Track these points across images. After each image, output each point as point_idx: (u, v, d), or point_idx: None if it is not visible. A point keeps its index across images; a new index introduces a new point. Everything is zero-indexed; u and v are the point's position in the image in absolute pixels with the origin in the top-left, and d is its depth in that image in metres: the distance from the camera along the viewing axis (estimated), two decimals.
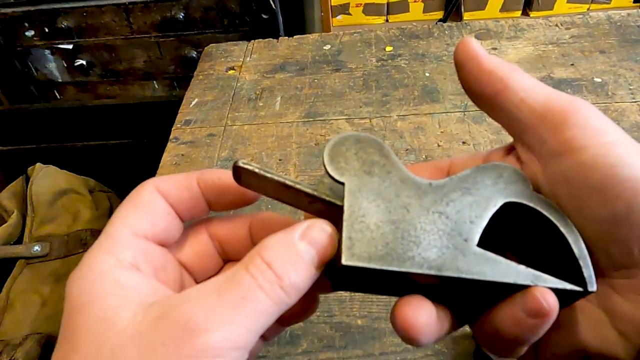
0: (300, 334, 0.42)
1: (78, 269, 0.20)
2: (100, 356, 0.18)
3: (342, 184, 0.21)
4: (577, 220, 0.20)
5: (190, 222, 0.25)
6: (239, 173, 0.22)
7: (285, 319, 0.24)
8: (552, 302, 0.19)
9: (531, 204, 0.21)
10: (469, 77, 0.23)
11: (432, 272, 0.19)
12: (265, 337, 0.25)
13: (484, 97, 0.23)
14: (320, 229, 0.20)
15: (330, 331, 0.42)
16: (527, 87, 0.22)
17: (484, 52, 0.23)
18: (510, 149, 0.23)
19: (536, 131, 0.21)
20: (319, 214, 0.22)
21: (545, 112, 0.21)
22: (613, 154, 0.19)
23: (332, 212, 0.21)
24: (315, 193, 0.21)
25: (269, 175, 0.21)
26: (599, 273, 0.20)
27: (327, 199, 0.21)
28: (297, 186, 0.21)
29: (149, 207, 0.22)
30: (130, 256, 0.21)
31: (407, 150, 0.57)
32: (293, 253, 0.19)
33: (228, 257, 0.26)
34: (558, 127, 0.20)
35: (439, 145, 0.57)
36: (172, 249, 0.24)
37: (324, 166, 0.21)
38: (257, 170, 0.21)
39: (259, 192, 0.23)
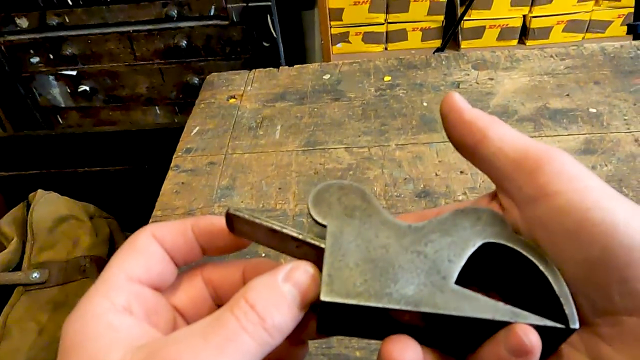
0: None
1: (74, 311, 0.21)
2: None
3: (325, 226, 0.22)
4: (556, 264, 0.21)
5: (186, 268, 0.26)
6: (231, 220, 0.23)
7: None
8: (534, 339, 0.19)
9: (510, 244, 0.21)
10: (452, 127, 0.24)
11: (409, 308, 0.20)
12: None
13: (466, 146, 0.24)
14: (303, 271, 0.21)
15: None
16: (504, 136, 0.23)
17: (466, 105, 0.24)
18: (494, 196, 0.24)
19: (513, 178, 0.22)
20: (305, 258, 0.23)
21: (522, 160, 0.22)
22: (587, 198, 0.20)
23: (317, 255, 0.22)
24: (300, 236, 0.22)
25: (257, 221, 0.22)
26: (583, 320, 0.20)
27: (312, 241, 0.22)
28: (284, 230, 0.22)
29: (145, 252, 0.23)
30: (124, 300, 0.21)
31: (405, 179, 0.58)
32: (276, 294, 0.20)
33: (221, 302, 0.26)
34: (533, 173, 0.21)
35: (437, 175, 0.58)
36: (167, 294, 0.25)
37: (308, 211, 0.23)
38: (247, 216, 0.22)
39: (250, 239, 0.24)
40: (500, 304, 0.20)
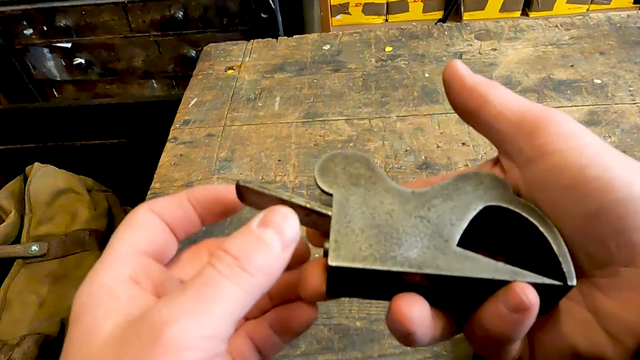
0: (299, 336, 0.42)
1: (82, 283, 0.21)
2: None
3: (331, 195, 0.22)
4: (554, 221, 0.21)
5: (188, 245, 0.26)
6: (240, 191, 0.23)
7: (283, 331, 0.25)
8: (532, 297, 0.19)
9: (511, 207, 0.22)
10: (454, 93, 0.25)
11: (413, 270, 0.20)
12: (264, 354, 0.25)
13: (467, 111, 0.24)
14: (277, 212, 0.21)
15: (329, 333, 0.42)
16: (504, 100, 0.23)
17: (467, 71, 0.24)
18: (496, 161, 0.25)
19: (513, 140, 0.22)
20: (314, 227, 0.23)
21: (521, 122, 0.22)
22: (583, 155, 0.20)
23: (325, 223, 0.22)
24: (308, 205, 0.22)
25: (266, 191, 0.22)
26: (581, 274, 0.21)
27: (319, 209, 0.22)
28: (293, 200, 0.22)
29: (145, 226, 0.23)
30: (130, 270, 0.21)
31: (406, 151, 0.57)
32: (251, 237, 0.20)
33: None
34: (532, 134, 0.21)
35: (438, 146, 0.57)
36: (174, 269, 0.25)
37: (315, 181, 0.23)
38: (256, 187, 0.23)
39: (260, 208, 0.23)
40: (500, 264, 0.20)
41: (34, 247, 0.71)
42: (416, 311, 0.20)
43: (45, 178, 0.78)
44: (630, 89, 0.61)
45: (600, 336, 0.20)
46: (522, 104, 0.23)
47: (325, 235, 0.22)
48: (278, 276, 0.20)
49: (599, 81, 0.62)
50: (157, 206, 0.24)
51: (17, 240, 0.74)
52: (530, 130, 0.21)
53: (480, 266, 0.20)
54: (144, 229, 0.23)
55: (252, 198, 0.23)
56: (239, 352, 0.24)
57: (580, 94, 0.61)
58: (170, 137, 0.63)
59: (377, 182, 0.23)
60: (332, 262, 0.20)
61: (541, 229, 0.21)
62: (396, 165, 0.55)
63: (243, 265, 0.19)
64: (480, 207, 0.22)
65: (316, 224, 0.23)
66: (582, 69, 0.64)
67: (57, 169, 0.82)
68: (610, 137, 0.55)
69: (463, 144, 0.57)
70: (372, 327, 0.42)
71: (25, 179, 0.79)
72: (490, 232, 0.23)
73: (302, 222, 0.23)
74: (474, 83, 0.24)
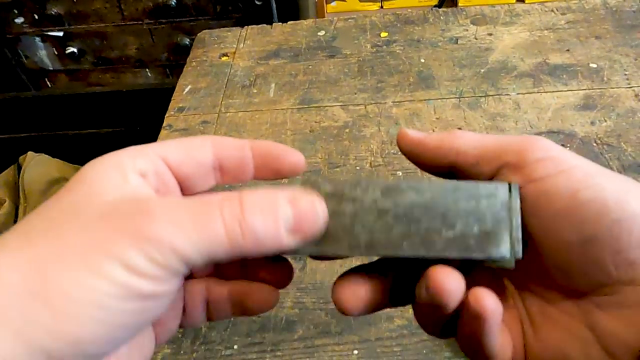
0: (296, 321, 0.42)
1: (99, 157, 0.21)
2: (59, 216, 0.19)
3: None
4: (551, 246, 0.21)
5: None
6: None
7: (237, 304, 0.24)
8: (487, 304, 0.20)
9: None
10: (422, 159, 0.24)
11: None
12: (209, 314, 0.25)
13: (444, 169, 0.24)
14: (309, 201, 0.20)
15: (326, 317, 0.42)
16: (477, 143, 0.23)
17: (420, 134, 0.24)
18: None
19: (499, 175, 0.22)
20: None
21: (502, 156, 0.22)
22: (573, 178, 0.20)
23: None
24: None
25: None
26: (580, 292, 0.20)
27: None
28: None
29: (194, 150, 0.23)
30: (144, 166, 0.21)
31: None
32: (270, 204, 0.19)
33: None
34: (517, 164, 0.21)
35: (434, 131, 0.57)
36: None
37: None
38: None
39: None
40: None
41: None
42: (452, 282, 0.20)
43: (39, 167, 0.77)
44: (626, 72, 0.61)
45: (598, 354, 0.20)
46: (497, 140, 0.22)
47: None
48: (267, 253, 0.19)
49: (594, 65, 0.62)
50: (220, 143, 0.23)
51: None
52: (515, 161, 0.21)
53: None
54: (190, 152, 0.22)
55: None
56: (191, 299, 0.24)
57: (575, 78, 0.61)
58: (164, 124, 0.62)
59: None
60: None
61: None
62: (392, 151, 0.55)
63: (244, 224, 0.18)
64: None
65: None
66: (578, 53, 0.64)
67: (51, 157, 0.81)
68: (605, 120, 0.55)
69: (459, 129, 0.57)
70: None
71: (19, 169, 0.78)
72: None
73: None
74: (437, 140, 0.23)
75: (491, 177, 0.22)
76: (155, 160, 0.22)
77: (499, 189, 0.21)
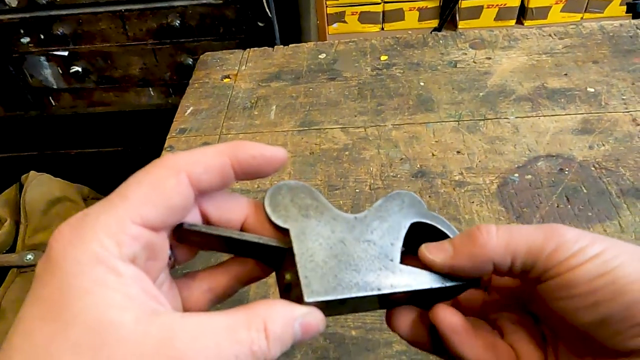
0: (294, 345, 0.42)
1: (72, 227, 0.19)
2: (96, 357, 0.17)
3: (287, 230, 0.24)
4: (569, 326, 0.23)
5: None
6: (183, 235, 0.23)
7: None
8: (444, 319, 0.25)
9: (427, 221, 0.27)
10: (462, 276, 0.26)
11: (375, 293, 0.24)
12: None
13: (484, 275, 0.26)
14: (314, 317, 0.22)
15: (324, 342, 0.42)
16: (504, 248, 0.24)
17: (447, 261, 0.25)
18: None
19: (525, 265, 0.24)
20: (260, 259, 0.25)
21: (530, 258, 0.23)
22: (592, 270, 0.22)
23: (277, 255, 0.24)
24: (261, 241, 0.24)
25: (214, 232, 0.23)
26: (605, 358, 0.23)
27: (276, 244, 0.24)
28: (244, 238, 0.24)
29: (173, 202, 0.21)
30: (131, 250, 0.20)
31: (401, 159, 0.57)
32: (288, 333, 0.22)
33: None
34: (541, 255, 0.23)
35: (433, 155, 0.57)
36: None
37: (267, 216, 0.24)
38: (203, 230, 0.23)
39: (202, 248, 0.24)
40: (434, 275, 0.25)
41: (29, 256, 0.71)
42: (454, 319, 0.25)
43: (40, 186, 0.77)
44: (623, 97, 0.61)
45: None
46: (524, 233, 0.24)
47: (275, 267, 0.25)
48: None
49: (592, 90, 0.63)
50: (197, 173, 0.21)
51: (12, 249, 0.74)
52: (540, 253, 0.23)
53: (421, 279, 0.25)
54: (170, 204, 0.21)
55: (197, 239, 0.23)
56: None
57: (573, 103, 0.61)
58: (166, 145, 0.63)
59: (324, 212, 0.25)
60: (308, 299, 0.22)
61: (447, 233, 0.26)
62: (391, 174, 0.55)
63: (268, 355, 0.20)
64: (408, 224, 0.26)
65: (265, 257, 0.25)
66: (576, 77, 0.65)
67: (52, 177, 0.82)
68: (603, 144, 0.56)
69: (458, 152, 0.57)
70: (368, 336, 0.42)
71: (21, 188, 0.78)
72: (417, 240, 0.27)
73: (251, 256, 0.25)
74: (468, 257, 0.25)
75: (520, 273, 0.24)
76: (142, 235, 0.20)
77: None
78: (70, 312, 0.17)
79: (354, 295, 0.23)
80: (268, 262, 0.26)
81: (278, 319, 0.21)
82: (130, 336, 0.17)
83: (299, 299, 0.23)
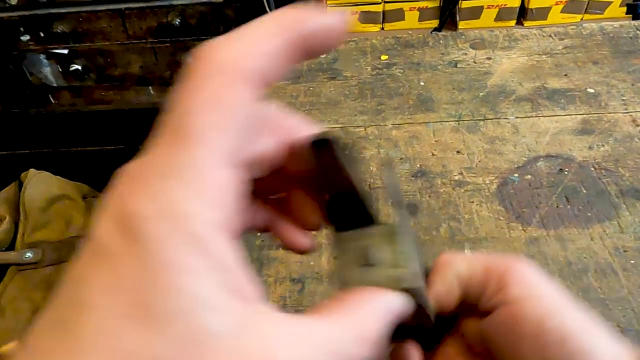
0: None
1: (157, 196, 0.14)
2: None
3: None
4: None
5: None
6: (324, 149, 0.19)
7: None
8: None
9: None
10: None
11: None
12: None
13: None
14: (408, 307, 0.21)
15: None
16: (467, 265, 0.24)
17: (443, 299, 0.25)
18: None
19: (484, 296, 0.24)
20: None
21: (487, 281, 0.24)
22: (543, 306, 0.22)
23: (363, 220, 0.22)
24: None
25: (353, 174, 0.20)
26: None
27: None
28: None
29: (248, 123, 0.16)
30: (226, 213, 0.15)
31: (401, 159, 0.57)
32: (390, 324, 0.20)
33: None
34: (497, 287, 0.23)
35: (433, 154, 0.57)
36: None
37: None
38: (344, 163, 0.20)
39: (329, 173, 0.20)
40: None
41: (28, 254, 0.71)
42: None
43: (40, 184, 0.77)
44: (623, 98, 0.61)
45: None
46: (487, 259, 0.24)
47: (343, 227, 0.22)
48: None
49: (592, 90, 0.63)
50: (249, 62, 0.16)
51: (11, 246, 0.73)
52: (496, 283, 0.23)
53: None
54: (241, 122, 0.15)
55: (331, 161, 0.19)
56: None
57: (573, 103, 0.62)
58: None
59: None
60: (413, 284, 0.21)
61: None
62: None
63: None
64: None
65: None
66: (576, 78, 0.65)
67: (52, 175, 0.81)
68: (603, 145, 0.56)
69: (458, 152, 0.57)
70: None
71: (21, 185, 0.78)
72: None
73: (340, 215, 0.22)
74: (448, 288, 0.24)
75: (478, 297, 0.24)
76: (226, 182, 0.15)
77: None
78: (163, 315, 0.14)
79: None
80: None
81: (385, 320, 0.19)
82: (229, 352, 0.14)
83: (387, 280, 0.20)
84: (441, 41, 0.74)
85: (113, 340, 0.13)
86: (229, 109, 0.15)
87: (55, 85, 1.51)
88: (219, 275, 0.14)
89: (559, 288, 0.23)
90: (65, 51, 1.42)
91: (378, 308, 0.19)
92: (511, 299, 0.22)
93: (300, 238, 0.23)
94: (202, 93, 0.15)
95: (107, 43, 1.40)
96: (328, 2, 1.65)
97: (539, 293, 0.23)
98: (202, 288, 0.14)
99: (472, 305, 0.25)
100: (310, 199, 0.23)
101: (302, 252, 0.23)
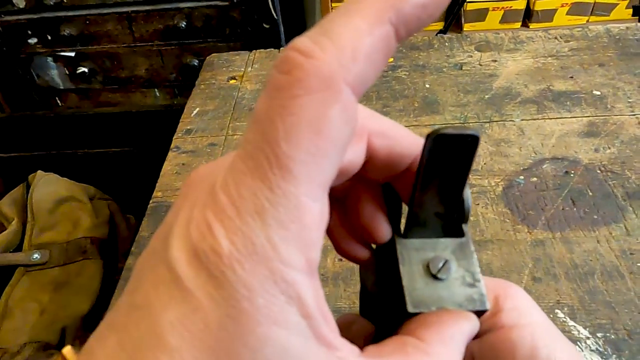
0: None
1: (252, 253, 0.13)
2: None
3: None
4: None
5: None
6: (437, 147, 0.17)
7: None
8: None
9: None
10: None
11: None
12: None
13: None
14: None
15: None
16: None
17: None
18: None
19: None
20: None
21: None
22: (535, 334, 0.22)
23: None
24: None
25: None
26: None
27: None
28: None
29: (344, 142, 0.14)
30: (318, 254, 0.14)
31: None
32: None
33: None
34: (491, 310, 0.23)
35: None
36: None
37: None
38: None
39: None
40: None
41: (36, 255, 0.71)
42: None
43: (47, 186, 0.78)
44: (629, 100, 0.61)
45: None
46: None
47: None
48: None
49: (598, 92, 0.63)
50: (351, 65, 0.13)
51: (19, 248, 0.74)
52: (491, 304, 0.23)
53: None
54: (333, 140, 0.13)
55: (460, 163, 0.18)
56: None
57: (579, 105, 0.61)
58: (172, 146, 0.63)
59: None
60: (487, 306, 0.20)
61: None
62: None
63: None
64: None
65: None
66: (582, 80, 0.65)
67: (59, 177, 0.82)
68: (609, 147, 0.56)
69: None
70: None
71: (28, 187, 0.79)
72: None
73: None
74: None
75: None
76: (317, 219, 0.14)
77: None
78: None
79: None
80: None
81: (461, 355, 0.19)
82: None
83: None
84: (446, 43, 0.74)
85: None
86: (328, 131, 0.13)
87: (62, 87, 1.52)
88: (309, 324, 0.13)
89: (545, 316, 0.23)
90: (72, 54, 1.43)
91: (463, 339, 0.18)
92: (505, 324, 0.23)
93: (359, 249, 0.21)
94: (299, 111, 0.13)
95: (113, 46, 1.41)
96: (333, 4, 1.66)
97: (531, 321, 0.23)
98: (292, 339, 0.13)
99: None
100: (380, 207, 0.21)
101: (360, 261, 0.22)
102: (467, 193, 0.20)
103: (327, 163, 0.13)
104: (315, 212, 0.13)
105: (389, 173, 0.19)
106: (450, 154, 0.18)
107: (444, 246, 0.20)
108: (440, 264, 0.20)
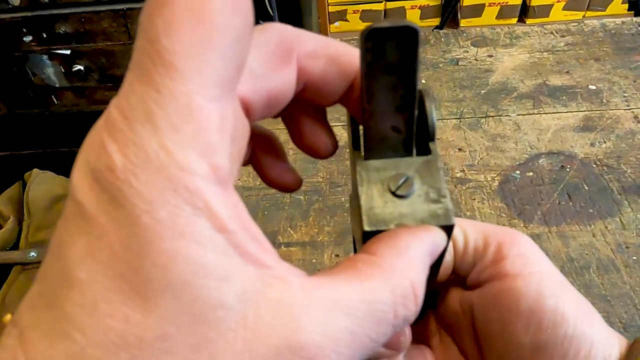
0: None
1: (132, 145, 0.12)
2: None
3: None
4: (501, 342, 0.21)
5: None
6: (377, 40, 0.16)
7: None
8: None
9: None
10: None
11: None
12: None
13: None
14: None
15: None
16: (467, 229, 0.23)
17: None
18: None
19: (481, 266, 0.22)
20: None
21: (485, 244, 0.22)
22: (541, 283, 0.20)
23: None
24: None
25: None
26: None
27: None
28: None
29: (239, 38, 0.13)
30: (225, 161, 0.12)
31: None
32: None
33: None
34: (495, 257, 0.22)
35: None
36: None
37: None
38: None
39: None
40: None
41: (33, 253, 0.71)
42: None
43: (44, 184, 0.78)
44: (625, 94, 0.61)
45: None
46: (485, 227, 0.23)
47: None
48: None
49: (594, 87, 0.63)
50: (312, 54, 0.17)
51: (15, 246, 0.74)
52: (495, 252, 0.22)
53: None
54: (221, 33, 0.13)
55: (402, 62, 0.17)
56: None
57: (575, 100, 0.62)
58: None
59: None
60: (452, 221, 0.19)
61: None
62: None
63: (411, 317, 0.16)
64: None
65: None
66: (577, 75, 0.65)
67: (55, 175, 0.82)
68: (605, 142, 0.56)
69: (459, 149, 0.57)
70: None
71: (24, 185, 0.79)
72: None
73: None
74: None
75: (473, 259, 0.22)
76: (220, 116, 0.12)
77: None
78: (161, 289, 0.11)
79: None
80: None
81: (424, 269, 0.16)
82: (240, 325, 0.12)
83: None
84: (443, 39, 0.74)
85: (100, 319, 0.11)
86: (212, 18, 0.12)
87: (57, 85, 1.52)
88: (228, 239, 0.12)
89: (555, 268, 0.22)
90: (68, 52, 1.43)
91: (422, 251, 0.17)
92: (510, 272, 0.21)
93: (288, 174, 0.22)
94: (178, 1, 0.12)
95: (109, 43, 1.41)
96: (329, 1, 1.65)
97: (538, 270, 0.21)
98: (208, 254, 0.12)
99: (457, 278, 0.23)
100: (322, 124, 0.21)
101: (286, 189, 0.22)
102: (431, 108, 0.19)
103: (217, 56, 0.12)
104: (212, 112, 0.12)
105: (334, 94, 0.19)
106: (391, 51, 0.16)
107: (408, 165, 0.19)
108: (401, 181, 0.18)
